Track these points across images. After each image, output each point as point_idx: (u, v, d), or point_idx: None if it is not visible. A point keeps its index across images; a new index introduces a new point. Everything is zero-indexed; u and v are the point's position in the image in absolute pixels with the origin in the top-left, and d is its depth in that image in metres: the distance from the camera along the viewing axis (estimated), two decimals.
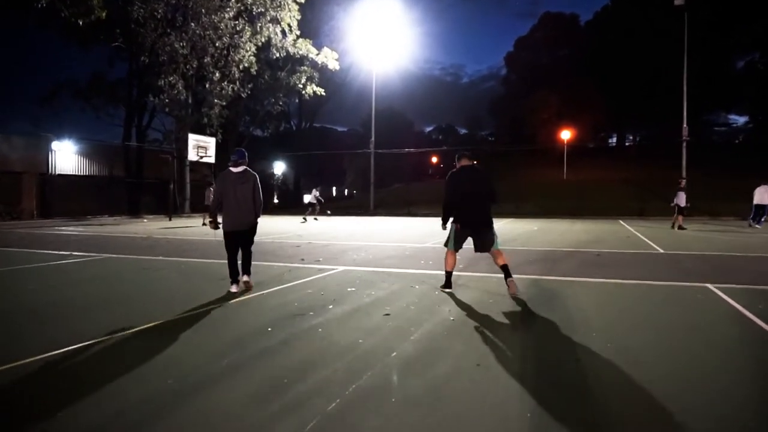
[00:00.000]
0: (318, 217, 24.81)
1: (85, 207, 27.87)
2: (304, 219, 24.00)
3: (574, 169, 42.33)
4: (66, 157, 32.66)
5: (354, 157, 65.51)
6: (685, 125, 28.85)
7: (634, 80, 47.73)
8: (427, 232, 16.71)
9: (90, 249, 11.37)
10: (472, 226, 6.19)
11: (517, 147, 49.48)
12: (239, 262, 6.47)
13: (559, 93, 48.47)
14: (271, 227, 19.27)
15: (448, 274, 6.47)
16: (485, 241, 6.20)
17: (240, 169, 6.38)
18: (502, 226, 19.54)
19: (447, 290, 6.34)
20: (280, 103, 35.99)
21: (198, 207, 33.18)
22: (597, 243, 12.89)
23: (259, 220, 6.56)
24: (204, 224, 19.82)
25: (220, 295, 6.18)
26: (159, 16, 26.64)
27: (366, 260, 9.43)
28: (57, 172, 30.77)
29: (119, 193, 31.10)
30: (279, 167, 54.71)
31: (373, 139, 33.08)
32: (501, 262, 6.14)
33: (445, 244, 6.47)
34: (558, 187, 39.31)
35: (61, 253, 10.67)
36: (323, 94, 34.13)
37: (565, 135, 43.96)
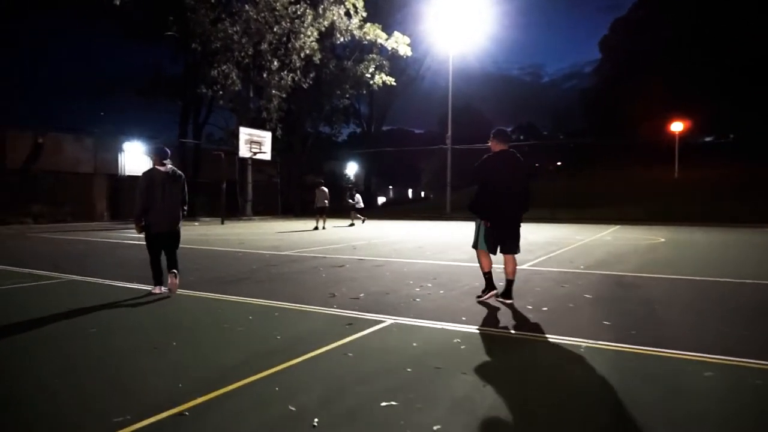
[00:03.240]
0: (354, 222, 21.82)
1: None
2: (353, 223, 21.51)
3: (687, 166, 36.04)
4: (133, 157, 31.63)
5: (429, 158, 62.01)
6: None
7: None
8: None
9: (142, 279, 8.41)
10: (502, 222, 5.41)
11: (614, 142, 43.58)
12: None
13: (665, 79, 41.98)
14: (324, 234, 15.94)
15: (487, 276, 5.65)
16: (512, 240, 5.44)
17: (168, 168, 6.15)
18: (606, 237, 15.07)
19: (491, 293, 5.59)
20: (347, 96, 32.88)
21: (259, 209, 30.94)
22: None
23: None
24: (315, 228, 18.58)
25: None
26: (212, 0, 24.23)
27: (439, 301, 5.70)
28: (126, 173, 29.77)
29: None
30: (351, 168, 52.13)
31: (449, 133, 29.13)
32: (510, 275, 5.46)
33: (474, 246, 5.74)
34: (668, 187, 33.41)
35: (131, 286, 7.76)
36: (393, 83, 30.65)
37: (677, 127, 37.62)
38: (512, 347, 4.06)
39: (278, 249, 11.47)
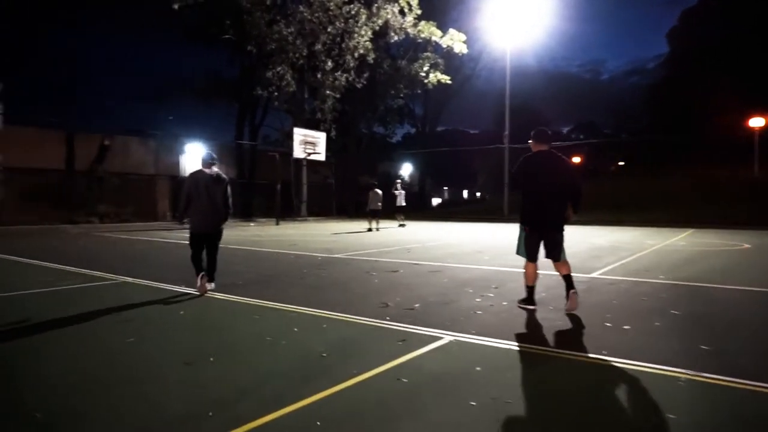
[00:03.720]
0: (403, 223, 21.14)
1: None
2: (402, 223, 20.74)
3: None
4: (193, 159, 32.51)
5: (486, 158, 60.69)
6: None
7: None
8: (584, 248, 11.78)
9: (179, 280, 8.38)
10: (541, 226, 5.12)
11: (684, 139, 41.02)
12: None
13: (743, 71, 39.06)
14: (377, 237, 15.56)
15: (529, 289, 5.27)
16: (554, 245, 5.09)
17: (213, 170, 6.35)
18: (680, 242, 13.90)
19: (530, 307, 5.21)
20: (401, 96, 32.44)
21: (314, 210, 31.00)
22: None
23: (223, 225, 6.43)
24: (369, 230, 18.26)
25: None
26: (268, 2, 24.38)
27: (503, 315, 5.14)
28: (186, 175, 30.50)
29: (232, 195, 29.79)
30: (406, 169, 51.69)
31: (507, 131, 28.15)
32: (564, 272, 5.11)
33: (518, 252, 5.43)
34: (747, 187, 30.98)
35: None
36: (449, 81, 29.96)
37: (757, 122, 34.87)
38: (595, 377, 3.45)
39: (330, 251, 11.15)
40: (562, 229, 5.18)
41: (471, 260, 9.60)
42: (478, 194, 77.76)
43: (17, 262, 9.40)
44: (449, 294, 6.18)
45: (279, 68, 24.76)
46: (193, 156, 33.20)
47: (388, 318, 4.89)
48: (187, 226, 6.46)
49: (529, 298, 5.32)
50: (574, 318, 4.93)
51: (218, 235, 6.43)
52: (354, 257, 10.16)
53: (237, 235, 16.57)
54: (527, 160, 5.22)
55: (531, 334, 4.44)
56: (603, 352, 3.87)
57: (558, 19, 37.35)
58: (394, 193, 21.24)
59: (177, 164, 32.65)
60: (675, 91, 47.74)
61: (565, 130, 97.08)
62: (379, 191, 18.89)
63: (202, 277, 6.10)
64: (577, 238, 14.49)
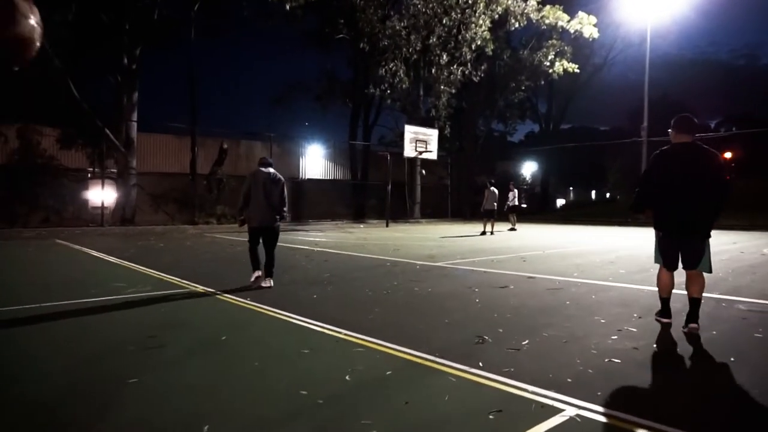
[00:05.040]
0: (515, 226, 19.08)
1: (325, 210, 26.85)
2: (513, 227, 18.78)
3: None
4: (312, 161, 33.04)
5: (618, 155, 55.46)
6: None
7: None
8: (749, 262, 9.29)
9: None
10: (678, 230, 4.39)
11: None
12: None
13: None
14: (490, 241, 13.94)
15: (663, 301, 4.63)
16: (691, 254, 4.37)
17: (270, 170, 6.73)
18: None
19: (665, 320, 4.55)
20: (522, 88, 30.07)
21: (427, 212, 29.83)
22: None
23: (280, 222, 6.70)
24: (483, 233, 16.74)
25: None
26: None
27: (655, 366, 3.54)
28: (306, 177, 31.18)
29: (345, 196, 29.58)
30: (528, 168, 48.76)
31: (645, 123, 24.75)
32: (694, 293, 4.38)
33: (656, 261, 4.69)
34: None
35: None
36: (577, 70, 27.13)
37: None
38: None
39: (433, 258, 9.86)
40: (706, 236, 4.40)
41: (602, 274, 7.76)
42: (608, 195, 71.67)
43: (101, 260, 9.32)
44: (572, 326, 4.61)
45: (392, 64, 23.90)
46: (312, 158, 33.93)
47: (481, 365, 3.49)
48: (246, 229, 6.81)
49: (664, 309, 4.65)
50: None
51: (275, 231, 6.69)
52: (458, 266, 8.77)
53: (340, 237, 15.88)
54: (663, 152, 4.53)
55: (705, 415, 2.81)
56: None
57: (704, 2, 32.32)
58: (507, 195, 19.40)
59: (297, 166, 33.48)
60: None
61: (713, 123, 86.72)
62: (495, 190, 17.23)
63: (258, 274, 6.59)
64: (729, 246, 11.80)
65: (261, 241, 6.68)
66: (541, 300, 5.82)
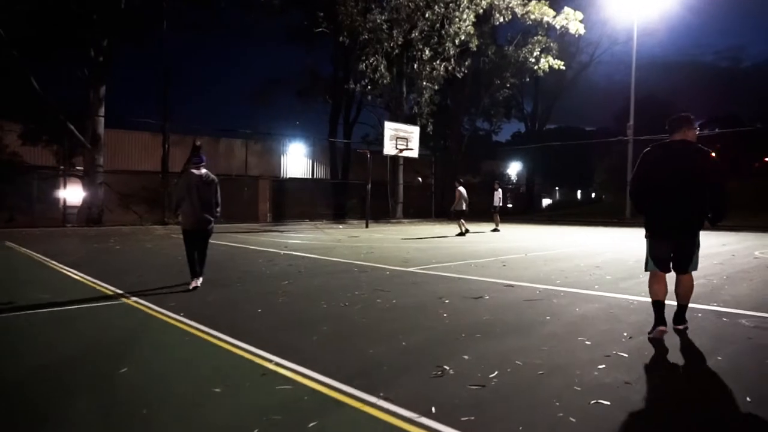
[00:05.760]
0: (498, 227, 18.45)
1: (306, 210, 26.09)
2: (497, 228, 18.21)
3: None
4: (294, 159, 32.20)
5: (604, 154, 55.23)
6: None
7: None
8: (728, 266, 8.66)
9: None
10: (669, 232, 4.23)
11: None
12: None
13: None
14: (470, 244, 13.22)
15: (656, 306, 4.26)
16: (684, 255, 4.22)
17: (202, 171, 6.39)
18: None
19: (659, 329, 4.17)
20: (508, 85, 29.41)
21: (410, 211, 29.04)
22: None
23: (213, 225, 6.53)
24: (461, 234, 15.92)
25: None
26: None
27: (652, 408, 2.79)
28: (287, 176, 30.38)
29: (326, 196, 28.75)
30: (513, 168, 48.35)
31: (631, 122, 24.25)
32: (684, 300, 4.29)
33: (647, 268, 4.42)
34: None
35: None
36: (563, 67, 26.58)
37: None
38: None
39: (407, 263, 9.11)
40: (696, 235, 4.26)
41: (587, 282, 7.05)
42: (593, 195, 71.49)
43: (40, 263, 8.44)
44: (551, 350, 3.87)
45: (372, 59, 23.10)
46: (294, 156, 33.02)
47: (434, 411, 2.73)
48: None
49: (658, 317, 4.27)
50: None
51: (208, 233, 6.54)
52: (432, 272, 8.03)
53: (314, 239, 15.08)
54: (653, 149, 4.39)
55: None
56: None
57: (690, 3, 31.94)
58: (495, 194, 18.72)
59: (279, 165, 32.57)
60: None
61: (697, 124, 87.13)
62: (463, 189, 16.52)
63: (196, 284, 6.33)
64: (719, 249, 11.24)
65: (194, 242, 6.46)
66: (518, 314, 5.08)
